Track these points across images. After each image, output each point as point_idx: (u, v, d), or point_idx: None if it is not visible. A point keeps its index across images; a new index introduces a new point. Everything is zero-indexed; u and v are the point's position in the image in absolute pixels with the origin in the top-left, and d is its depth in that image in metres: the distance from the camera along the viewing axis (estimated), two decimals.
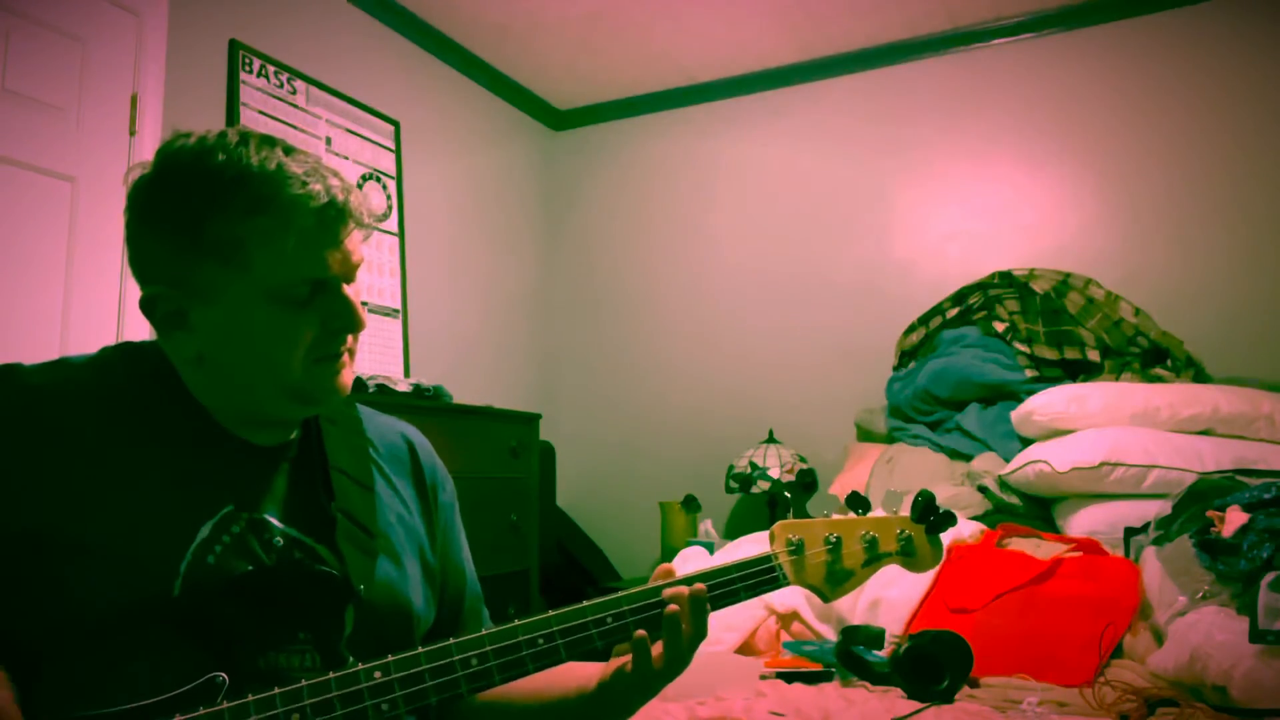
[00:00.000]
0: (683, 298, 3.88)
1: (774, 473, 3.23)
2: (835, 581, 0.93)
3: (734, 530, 3.55)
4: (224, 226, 0.80)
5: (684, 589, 0.85)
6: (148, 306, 0.84)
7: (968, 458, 2.77)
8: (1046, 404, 2.50)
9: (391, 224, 3.21)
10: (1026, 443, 2.57)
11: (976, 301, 3.01)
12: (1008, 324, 2.87)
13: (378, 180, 3.15)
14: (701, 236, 3.87)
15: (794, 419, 3.52)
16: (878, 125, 3.56)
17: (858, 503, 0.95)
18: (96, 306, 2.27)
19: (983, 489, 2.48)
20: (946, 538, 0.97)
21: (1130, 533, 2.02)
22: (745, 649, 1.96)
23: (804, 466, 3.30)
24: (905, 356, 3.19)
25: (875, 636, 1.60)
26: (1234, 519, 1.61)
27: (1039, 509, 2.44)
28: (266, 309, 0.81)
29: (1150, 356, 2.78)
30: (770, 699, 1.44)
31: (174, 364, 0.86)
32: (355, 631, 0.84)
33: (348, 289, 0.86)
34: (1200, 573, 1.60)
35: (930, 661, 1.47)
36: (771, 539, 0.94)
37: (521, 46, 3.59)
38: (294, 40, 2.87)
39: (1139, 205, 3.12)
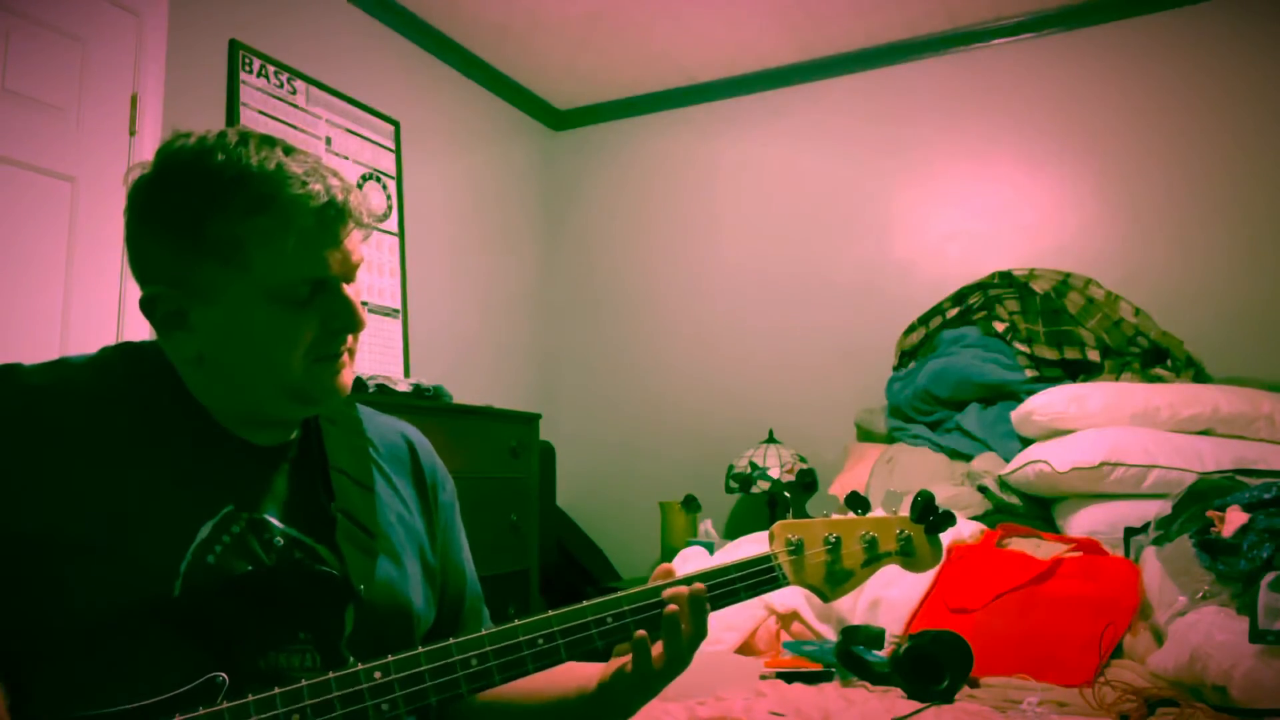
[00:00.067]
0: (683, 298, 3.88)
1: (774, 473, 3.23)
2: (835, 581, 0.93)
3: (734, 530, 3.55)
4: (224, 226, 0.80)
5: (683, 589, 0.85)
6: (148, 306, 0.84)
7: (968, 458, 2.77)
8: (1046, 404, 2.50)
9: (391, 224, 3.21)
10: (1026, 443, 2.57)
11: (976, 301, 3.01)
12: (1008, 324, 2.87)
13: (378, 180, 3.15)
14: (701, 236, 3.87)
15: (794, 419, 3.52)
16: (878, 125, 3.56)
17: (857, 503, 0.95)
18: (96, 306, 2.27)
19: (983, 489, 2.48)
20: (946, 538, 0.97)
21: (1130, 533, 2.02)
22: (745, 649, 1.96)
23: (804, 466, 3.30)
24: (905, 356, 3.19)
25: (875, 636, 1.60)
26: (1234, 519, 1.61)
27: (1039, 509, 2.44)
28: (266, 309, 0.81)
29: (1150, 356, 2.78)
30: (770, 699, 1.44)
31: (174, 364, 0.86)
32: (355, 631, 0.84)
33: (348, 289, 0.86)
34: (1200, 573, 1.60)
35: (930, 661, 1.47)
36: (771, 539, 0.94)
37: (521, 46, 3.59)
38: (294, 40, 2.87)
39: (1139, 205, 3.12)
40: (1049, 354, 2.77)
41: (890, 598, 1.89)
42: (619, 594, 0.86)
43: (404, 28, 3.33)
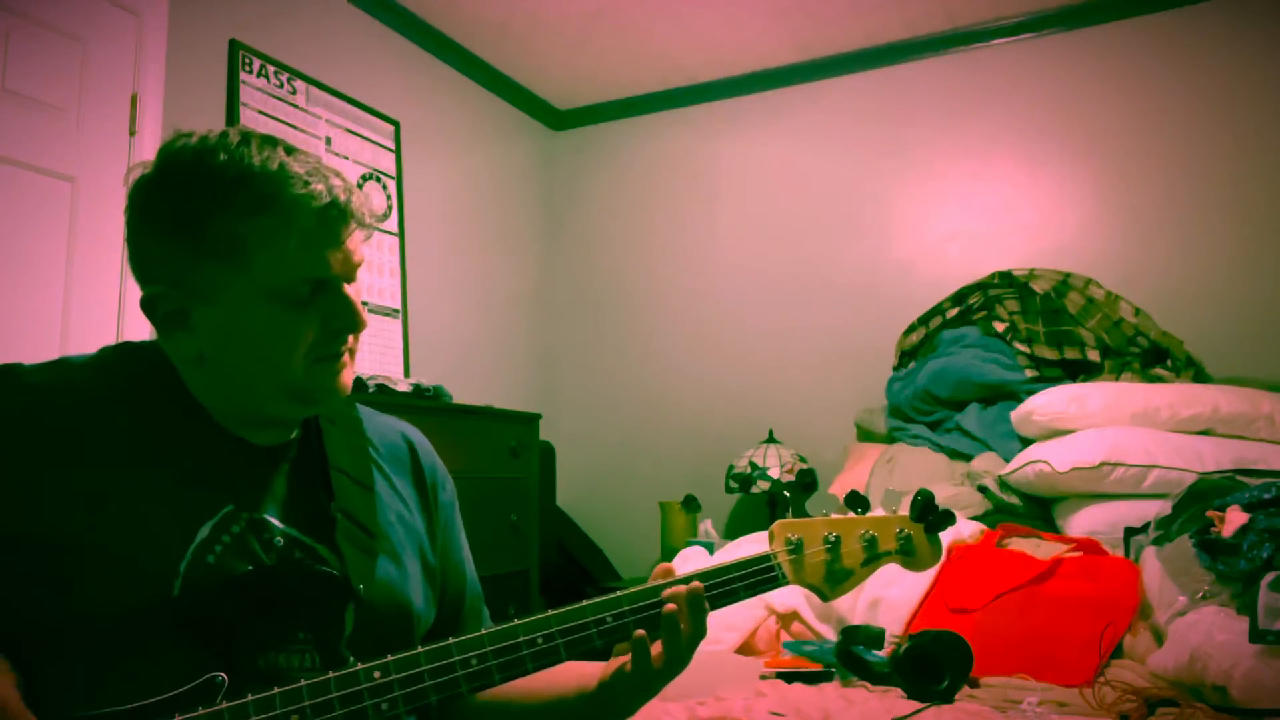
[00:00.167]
0: (683, 298, 3.88)
1: (774, 473, 3.23)
2: (834, 581, 0.93)
3: (734, 530, 3.55)
4: (225, 226, 0.80)
5: (682, 588, 0.85)
6: (148, 306, 0.84)
7: (968, 458, 2.77)
8: (1046, 404, 2.49)
9: (391, 224, 3.21)
10: (1026, 443, 2.57)
11: (976, 301, 3.01)
12: (1008, 324, 2.87)
13: (378, 180, 3.15)
14: (701, 236, 3.87)
15: (794, 419, 3.52)
16: (878, 125, 3.56)
17: (857, 502, 0.95)
18: (96, 306, 2.27)
19: (983, 489, 2.48)
20: (946, 537, 0.97)
21: (1130, 533, 2.02)
22: (745, 649, 1.96)
23: (804, 466, 3.30)
24: (905, 356, 3.19)
25: (875, 636, 1.60)
26: (1234, 519, 1.61)
27: (1039, 509, 2.44)
28: (267, 308, 0.81)
29: (1150, 356, 2.78)
30: (770, 699, 1.44)
31: (174, 364, 0.86)
32: (355, 631, 0.84)
33: (348, 289, 0.86)
34: (1200, 573, 1.60)
35: (930, 661, 1.47)
36: (771, 538, 0.94)
37: (521, 46, 3.59)
38: (294, 40, 2.87)
39: (1139, 205, 3.12)
40: (1049, 354, 2.77)
41: (890, 598, 1.89)
42: (618, 594, 0.86)
43: (404, 28, 3.33)
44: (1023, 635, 1.70)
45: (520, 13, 3.33)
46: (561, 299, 4.14)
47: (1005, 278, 3.00)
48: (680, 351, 3.84)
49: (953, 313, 3.07)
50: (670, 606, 0.84)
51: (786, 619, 1.98)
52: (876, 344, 3.36)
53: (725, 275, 3.80)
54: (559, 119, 4.21)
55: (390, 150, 3.22)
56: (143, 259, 0.84)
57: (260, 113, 2.71)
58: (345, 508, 0.88)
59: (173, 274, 0.82)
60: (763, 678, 1.64)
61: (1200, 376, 2.77)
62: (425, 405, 2.64)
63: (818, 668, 1.68)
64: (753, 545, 2.27)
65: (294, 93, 2.84)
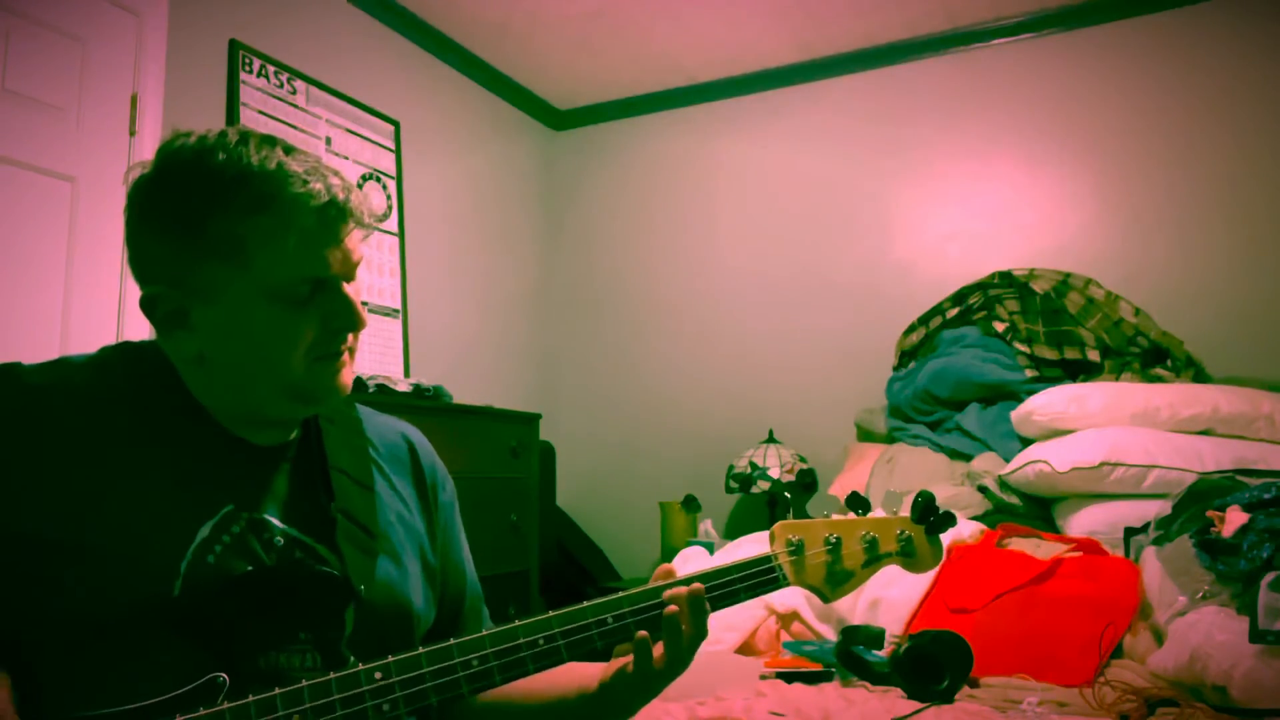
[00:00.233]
0: (683, 298, 3.88)
1: (774, 473, 3.23)
2: (835, 582, 0.93)
3: (734, 530, 3.55)
4: (225, 225, 0.80)
5: (683, 589, 0.85)
6: (148, 306, 0.84)
7: (968, 458, 2.77)
8: (1046, 404, 2.50)
9: (391, 224, 3.21)
10: (1026, 443, 2.57)
11: (976, 301, 3.01)
12: (1008, 324, 2.87)
13: (378, 180, 3.15)
14: (701, 236, 3.87)
15: (794, 419, 3.52)
16: (878, 125, 3.56)
17: (858, 503, 0.95)
18: (96, 306, 2.27)
19: (983, 489, 2.48)
20: (946, 538, 0.97)
21: (1130, 533, 2.02)
22: (745, 649, 1.96)
23: (804, 466, 3.30)
24: (905, 356, 3.19)
25: (875, 636, 1.60)
26: (1234, 519, 1.61)
27: (1039, 509, 2.44)
28: (267, 308, 0.81)
29: (1150, 356, 2.78)
30: (770, 699, 1.44)
31: (174, 364, 0.86)
32: (355, 631, 0.84)
33: (348, 287, 0.86)
34: (1200, 573, 1.60)
35: (930, 661, 1.47)
36: (771, 539, 0.94)
37: (521, 46, 3.59)
38: (294, 40, 2.87)
39: (1139, 205, 3.12)
40: (1049, 354, 2.77)
41: (890, 598, 1.89)
42: (619, 594, 0.86)
43: (404, 28, 3.33)
44: (1023, 635, 1.70)
45: (520, 13, 3.33)
46: (561, 299, 4.14)
47: (1005, 278, 3.00)
48: (680, 351, 3.84)
49: (953, 313, 3.07)
50: (672, 608, 0.84)
51: (786, 619, 1.98)
52: (876, 344, 3.36)
53: (725, 275, 3.80)
54: (559, 119, 4.21)
55: (390, 150, 3.22)
56: (142, 259, 0.84)
57: (260, 113, 2.71)
58: (345, 508, 0.88)
59: (172, 274, 0.82)
60: (763, 678, 1.64)
61: (1200, 376, 2.77)
62: (425, 405, 2.64)
63: (818, 668, 1.68)
64: (753, 545, 2.28)
65: (294, 93, 2.84)
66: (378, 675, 0.75)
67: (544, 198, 4.17)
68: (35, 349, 2.10)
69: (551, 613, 0.83)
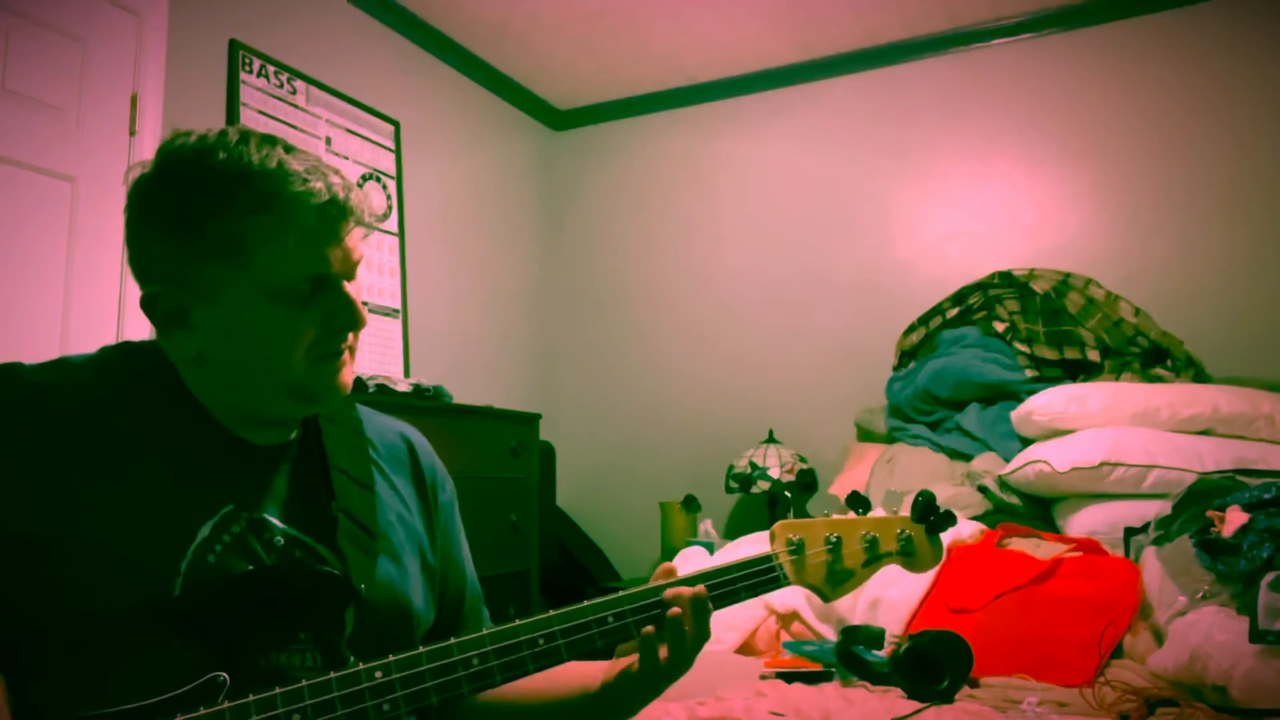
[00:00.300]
0: (683, 298, 3.88)
1: (774, 473, 3.23)
2: (835, 581, 0.93)
3: (734, 530, 3.55)
4: (225, 224, 0.80)
5: (686, 591, 0.85)
6: (148, 305, 0.84)
7: (968, 458, 2.77)
8: (1046, 404, 2.50)
9: (391, 224, 3.21)
10: (1026, 443, 2.57)
11: (976, 301, 3.01)
12: (1008, 324, 2.87)
13: (378, 180, 3.15)
14: (701, 236, 3.87)
15: (794, 419, 3.52)
16: (878, 125, 3.56)
17: (858, 502, 0.95)
18: (96, 306, 2.27)
19: (983, 489, 2.48)
20: (946, 538, 0.97)
21: (1130, 533, 2.02)
22: (745, 649, 1.96)
23: (804, 466, 3.30)
24: (905, 356, 3.19)
25: (875, 636, 1.60)
26: (1234, 519, 1.61)
27: (1039, 509, 2.44)
28: (267, 307, 0.81)
29: (1150, 356, 2.78)
30: (770, 699, 1.44)
31: (174, 363, 0.86)
32: (355, 631, 0.84)
33: (348, 286, 0.85)
34: (1200, 573, 1.60)
35: (930, 661, 1.47)
36: (772, 539, 0.94)
37: (521, 46, 3.59)
38: (294, 40, 2.87)
39: (1139, 205, 3.12)
40: (1049, 354, 2.77)
41: (890, 598, 1.89)
42: (619, 594, 0.86)
43: (404, 28, 3.33)
44: (1023, 635, 1.70)
45: (520, 13, 3.33)
46: (561, 299, 4.14)
47: (1005, 278, 3.00)
48: (680, 351, 3.84)
49: (953, 313, 3.07)
50: (675, 610, 0.84)
51: (786, 619, 1.98)
52: (876, 344, 3.36)
53: (725, 275, 3.80)
54: (559, 119, 4.21)
55: (390, 150, 3.22)
56: (142, 258, 0.84)
57: (260, 113, 2.71)
58: (346, 508, 0.88)
59: (172, 273, 0.82)
60: (763, 678, 1.64)
61: (1200, 376, 2.77)
62: (425, 405, 2.64)
63: (818, 668, 1.68)
64: (753, 545, 2.28)
65: (294, 93, 2.84)
66: (378, 674, 0.75)
67: (544, 198, 4.17)
68: (35, 349, 2.10)
69: (552, 612, 0.83)
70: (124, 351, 0.88)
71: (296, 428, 0.91)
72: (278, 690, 0.72)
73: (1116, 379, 2.68)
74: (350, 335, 0.87)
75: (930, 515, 0.95)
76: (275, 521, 0.84)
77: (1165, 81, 3.12)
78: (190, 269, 0.81)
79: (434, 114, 3.49)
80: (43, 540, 0.74)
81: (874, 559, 0.94)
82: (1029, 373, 2.78)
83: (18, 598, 0.74)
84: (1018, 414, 2.58)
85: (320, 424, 0.93)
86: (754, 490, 3.27)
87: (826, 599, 0.93)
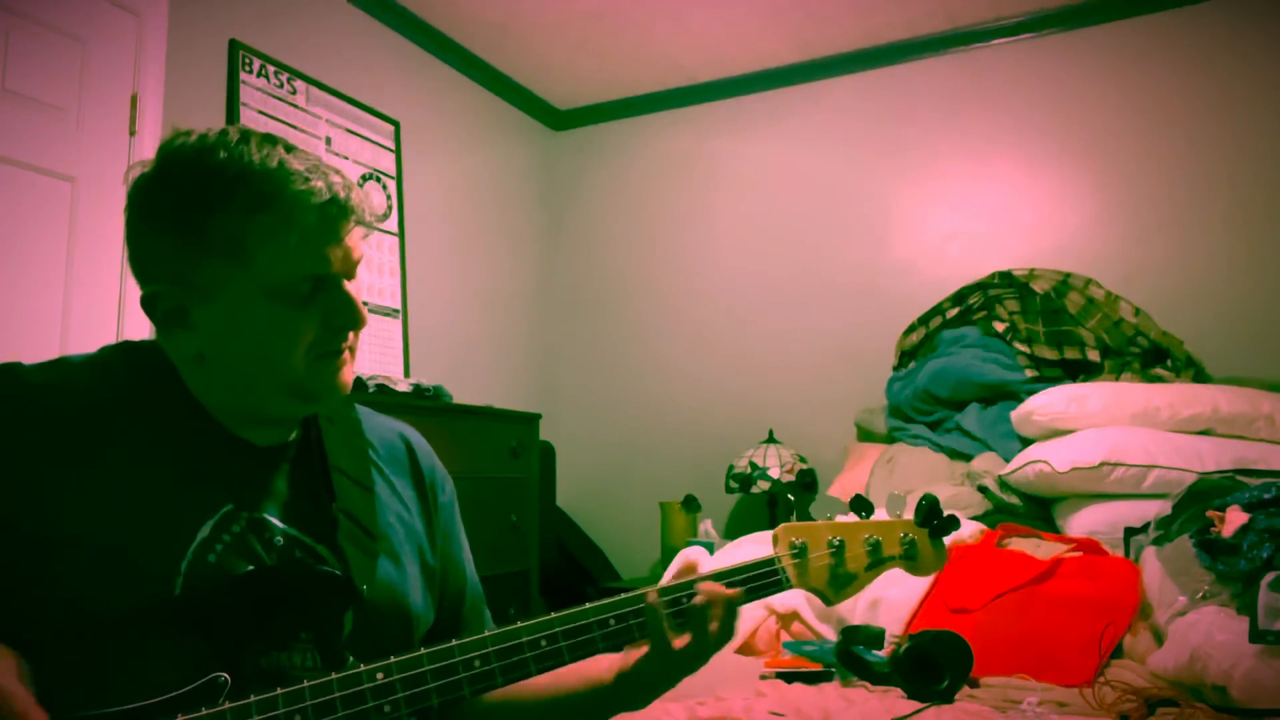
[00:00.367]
0: (683, 298, 3.88)
1: (774, 473, 3.23)
2: (838, 585, 0.93)
3: (734, 530, 3.55)
4: (226, 223, 0.80)
5: (719, 588, 0.87)
6: (148, 305, 0.84)
7: (968, 458, 2.77)
8: (1046, 404, 2.50)
9: (391, 224, 3.21)
10: (1026, 443, 2.57)
11: (976, 301, 3.01)
12: (1008, 324, 2.87)
13: (378, 180, 3.15)
14: (701, 236, 3.87)
15: (794, 419, 3.52)
16: (877, 125, 3.56)
17: (861, 506, 0.95)
18: (96, 306, 2.27)
19: (983, 489, 2.48)
20: (947, 539, 0.97)
21: (1130, 533, 2.02)
22: (745, 649, 1.96)
23: (804, 466, 3.30)
24: (905, 356, 3.19)
25: (875, 636, 1.60)
26: (1234, 519, 1.61)
27: (1039, 509, 2.44)
28: (268, 306, 0.81)
29: (1150, 356, 2.78)
30: (770, 699, 1.44)
31: (174, 363, 0.86)
32: (354, 631, 0.84)
33: (349, 285, 0.85)
34: (1200, 573, 1.60)
35: (930, 661, 1.47)
36: (775, 542, 0.94)
37: (521, 46, 3.59)
38: (294, 40, 2.87)
39: (1139, 205, 3.12)
40: (1049, 354, 2.77)
41: (890, 598, 1.89)
42: (622, 596, 0.86)
43: (404, 28, 3.32)
44: (1023, 635, 1.70)
45: (520, 13, 3.32)
46: (561, 299, 4.14)
47: (1005, 278, 3.00)
48: (680, 351, 3.84)
49: (953, 313, 3.07)
50: (700, 599, 0.85)
51: (786, 619, 1.98)
52: (876, 344, 3.36)
53: (725, 275, 3.80)
54: (559, 119, 4.21)
55: (390, 150, 3.22)
56: (143, 257, 0.84)
57: (260, 113, 2.71)
58: (346, 509, 0.88)
59: (173, 272, 0.82)
60: (763, 678, 1.64)
61: (1200, 376, 2.77)
62: (425, 405, 2.64)
63: (818, 668, 1.68)
64: (753, 545, 2.28)
65: (294, 93, 2.84)
66: (379, 675, 0.75)
67: (544, 198, 4.17)
68: (35, 349, 2.10)
69: (554, 614, 0.83)
70: (124, 351, 0.88)
71: (296, 428, 0.91)
72: (279, 691, 0.72)
73: (1116, 379, 2.68)
74: (350, 334, 0.87)
75: (934, 519, 0.95)
76: (275, 521, 0.84)
77: (1165, 81, 3.12)
78: (191, 268, 0.81)
79: (434, 114, 3.49)
80: (43, 540, 0.74)
81: (877, 563, 0.94)
82: (1029, 373, 2.78)
83: (18, 597, 0.74)
84: (1018, 414, 2.58)
85: (320, 424, 0.93)
86: (754, 490, 3.27)
87: (829, 602, 0.93)
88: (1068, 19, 3.26)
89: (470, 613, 1.03)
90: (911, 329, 3.19)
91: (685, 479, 3.63)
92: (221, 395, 0.85)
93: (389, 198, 3.20)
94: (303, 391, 0.85)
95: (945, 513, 0.95)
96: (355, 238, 0.86)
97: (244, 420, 0.86)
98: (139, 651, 0.74)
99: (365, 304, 0.88)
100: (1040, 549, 2.02)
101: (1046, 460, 2.31)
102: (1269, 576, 1.41)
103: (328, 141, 2.95)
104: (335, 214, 0.83)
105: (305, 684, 0.73)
